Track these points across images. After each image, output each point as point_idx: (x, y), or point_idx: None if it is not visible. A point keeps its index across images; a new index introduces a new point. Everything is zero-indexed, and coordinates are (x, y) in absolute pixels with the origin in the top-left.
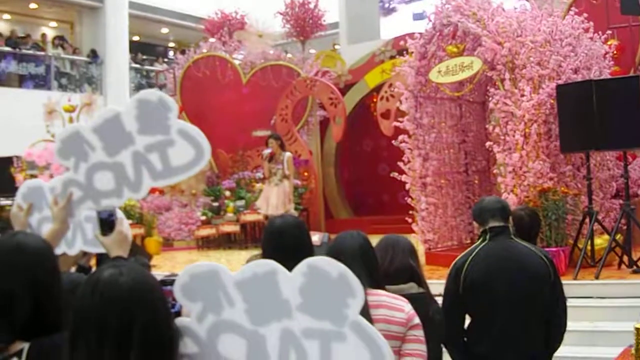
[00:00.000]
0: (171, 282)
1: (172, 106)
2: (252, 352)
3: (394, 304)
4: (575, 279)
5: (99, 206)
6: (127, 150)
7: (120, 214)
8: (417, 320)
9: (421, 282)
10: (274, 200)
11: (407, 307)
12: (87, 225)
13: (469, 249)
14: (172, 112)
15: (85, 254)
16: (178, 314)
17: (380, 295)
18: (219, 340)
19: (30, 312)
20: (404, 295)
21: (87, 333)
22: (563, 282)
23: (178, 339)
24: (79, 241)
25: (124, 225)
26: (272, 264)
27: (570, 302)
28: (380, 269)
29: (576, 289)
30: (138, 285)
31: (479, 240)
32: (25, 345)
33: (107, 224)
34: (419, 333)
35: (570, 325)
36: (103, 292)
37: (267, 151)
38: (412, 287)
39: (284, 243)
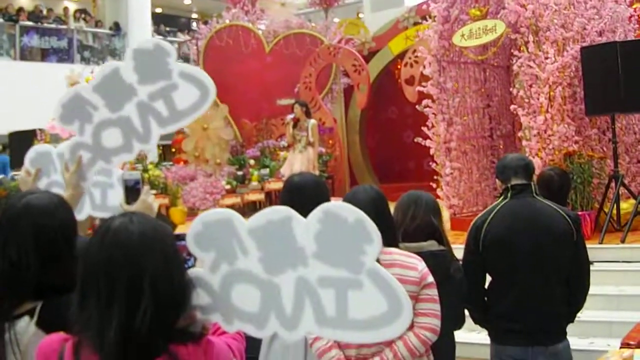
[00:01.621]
0: (185, 237)
1: (171, 50)
2: (266, 302)
3: (408, 263)
4: (600, 243)
5: (110, 164)
6: (131, 103)
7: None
8: (430, 278)
9: (442, 239)
10: (297, 167)
11: (421, 265)
12: (94, 190)
13: (489, 207)
14: (171, 57)
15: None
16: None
17: (393, 254)
18: (233, 291)
19: (38, 270)
20: (423, 253)
21: (96, 281)
22: (588, 246)
23: (191, 289)
24: (87, 206)
25: (149, 195)
26: (286, 210)
27: (595, 266)
28: (401, 225)
29: (602, 253)
30: (149, 233)
31: (501, 198)
32: (38, 304)
33: (132, 191)
34: (433, 292)
35: (596, 289)
36: (113, 239)
37: (290, 117)
38: (432, 245)
39: (302, 199)
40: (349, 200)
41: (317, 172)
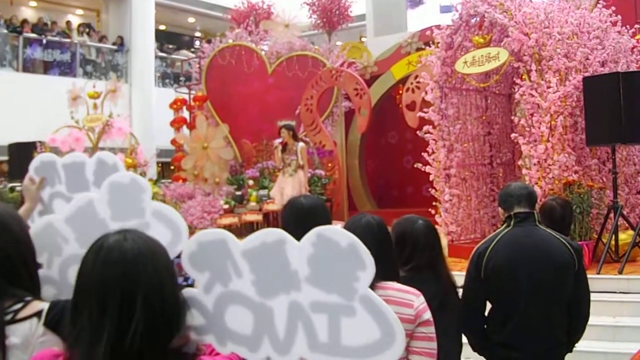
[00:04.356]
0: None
1: (146, 187)
2: (259, 326)
3: (403, 299)
4: (598, 273)
5: None
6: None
7: None
8: (426, 315)
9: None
10: (289, 190)
11: (417, 301)
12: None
13: (492, 234)
14: (145, 193)
15: None
16: (192, 287)
17: (388, 289)
18: (226, 313)
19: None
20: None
21: (89, 300)
22: None
23: (185, 309)
24: None
25: None
26: (280, 232)
27: (592, 297)
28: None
29: (599, 284)
30: (143, 251)
31: (503, 226)
32: (45, 306)
33: None
34: (428, 330)
35: (592, 319)
36: (107, 256)
37: (277, 141)
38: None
39: (315, 222)
40: (349, 227)
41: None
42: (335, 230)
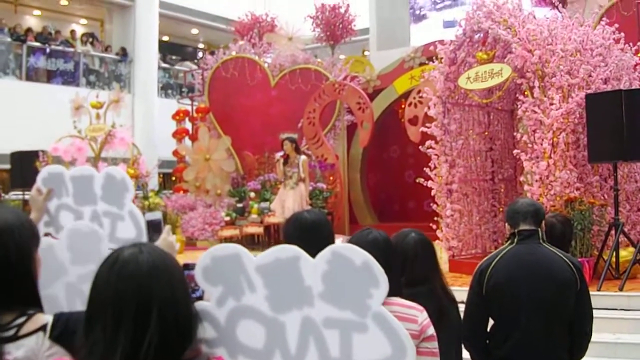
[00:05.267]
0: (194, 267)
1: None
2: (271, 340)
3: (408, 315)
4: (599, 290)
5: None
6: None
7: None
8: (430, 331)
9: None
10: (290, 203)
11: (422, 316)
12: (105, 220)
13: (495, 251)
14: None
15: None
16: (200, 299)
17: (393, 305)
18: (238, 326)
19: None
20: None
21: (103, 312)
22: None
23: (197, 322)
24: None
25: (170, 234)
26: (295, 249)
27: (593, 314)
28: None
29: (600, 301)
30: (158, 265)
31: (507, 243)
32: (49, 319)
33: (153, 226)
34: (432, 345)
35: (593, 336)
36: (121, 269)
37: (279, 154)
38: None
39: (318, 237)
40: (355, 242)
41: (308, 208)
42: (351, 249)
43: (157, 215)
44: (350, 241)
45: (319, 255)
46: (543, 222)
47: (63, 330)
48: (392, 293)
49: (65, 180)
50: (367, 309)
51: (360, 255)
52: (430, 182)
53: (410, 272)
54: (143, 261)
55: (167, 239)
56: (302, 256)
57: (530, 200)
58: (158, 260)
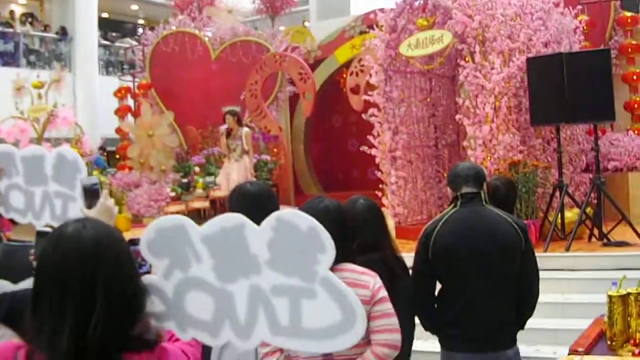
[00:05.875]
0: (139, 242)
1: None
2: (220, 310)
3: (359, 281)
4: (545, 251)
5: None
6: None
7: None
8: (382, 293)
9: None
10: (235, 176)
11: (373, 282)
12: (56, 201)
13: (439, 215)
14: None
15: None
16: (148, 274)
17: (343, 271)
18: (186, 299)
19: None
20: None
21: (49, 289)
22: None
23: (145, 296)
24: (47, 215)
25: (108, 199)
26: (240, 217)
27: (541, 275)
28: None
29: (547, 262)
30: (102, 239)
31: (450, 207)
32: None
33: (90, 192)
34: (385, 307)
35: (541, 297)
36: (65, 245)
37: (223, 127)
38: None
39: (258, 209)
40: (307, 211)
41: (253, 180)
42: (296, 214)
43: (93, 180)
44: (301, 210)
45: (264, 222)
46: (485, 184)
47: (9, 310)
48: (343, 259)
49: (16, 160)
50: (314, 274)
51: (306, 221)
52: (373, 150)
53: (361, 237)
54: (87, 236)
55: (106, 204)
56: (247, 224)
57: (470, 164)
58: (102, 235)
